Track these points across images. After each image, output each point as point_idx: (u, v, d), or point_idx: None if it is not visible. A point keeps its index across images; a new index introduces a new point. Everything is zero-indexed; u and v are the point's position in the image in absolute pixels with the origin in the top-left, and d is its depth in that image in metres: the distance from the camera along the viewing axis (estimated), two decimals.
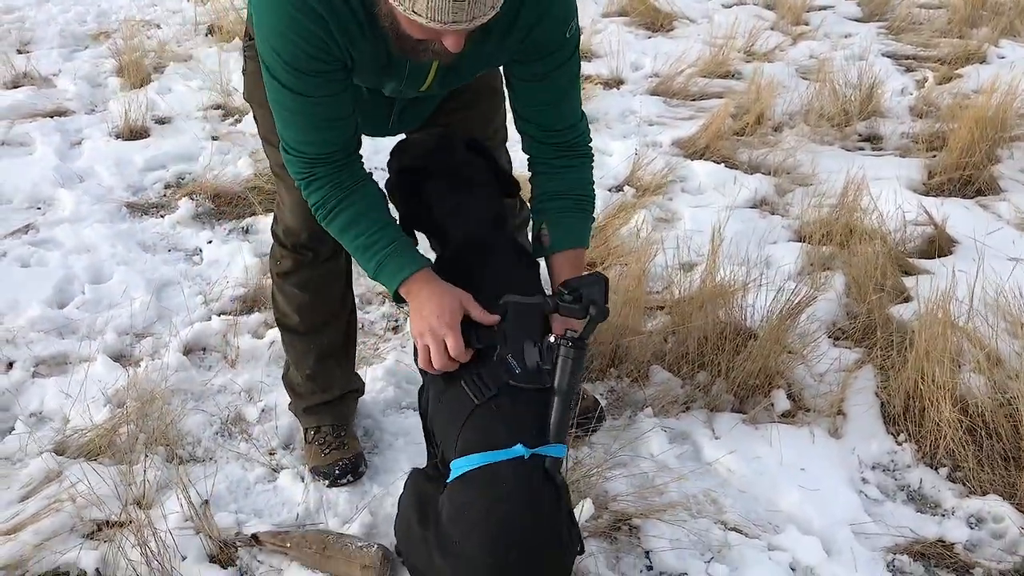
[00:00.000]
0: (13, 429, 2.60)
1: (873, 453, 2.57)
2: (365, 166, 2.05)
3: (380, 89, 2.05)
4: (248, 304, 3.16)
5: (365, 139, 2.10)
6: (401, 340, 2.99)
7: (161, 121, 4.52)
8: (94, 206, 3.69)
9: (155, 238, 3.55)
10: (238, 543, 2.23)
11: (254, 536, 2.21)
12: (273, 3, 1.77)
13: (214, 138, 4.33)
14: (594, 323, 1.83)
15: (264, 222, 3.66)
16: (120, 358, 2.89)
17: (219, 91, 4.75)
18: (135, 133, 4.35)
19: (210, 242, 3.51)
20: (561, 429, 1.79)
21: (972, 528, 2.35)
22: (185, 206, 3.71)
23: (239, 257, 3.39)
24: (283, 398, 2.70)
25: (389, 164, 2.26)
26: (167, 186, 3.96)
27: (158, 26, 5.95)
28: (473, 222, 2.08)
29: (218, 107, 4.67)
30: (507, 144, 2.49)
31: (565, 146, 2.08)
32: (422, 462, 2.30)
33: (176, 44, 5.57)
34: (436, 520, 1.83)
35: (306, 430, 2.51)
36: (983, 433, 2.51)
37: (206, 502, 2.33)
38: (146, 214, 3.73)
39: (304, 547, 2.16)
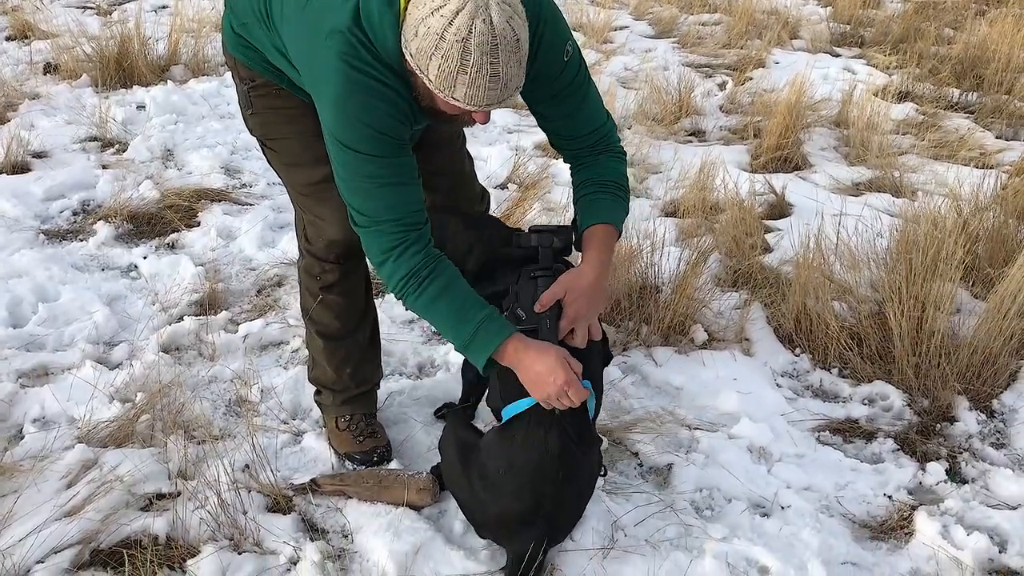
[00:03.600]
0: (21, 434, 2.70)
1: (780, 364, 3.19)
2: None
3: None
4: (204, 307, 3.35)
5: None
6: None
7: (38, 155, 4.52)
8: (11, 235, 3.72)
9: (85, 259, 3.64)
10: (293, 492, 2.48)
11: (313, 481, 2.48)
12: (359, 82, 1.96)
13: (104, 167, 4.40)
14: (545, 254, 2.28)
15: (189, 236, 3.84)
16: (100, 364, 3.01)
17: (91, 124, 4.79)
18: (17, 168, 4.34)
19: (145, 257, 3.65)
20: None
21: (867, 406, 3.00)
22: (104, 229, 3.81)
23: (180, 267, 3.56)
24: (278, 380, 2.98)
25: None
26: (75, 213, 4.02)
27: None
28: None
29: (94, 139, 4.72)
30: None
31: (594, 147, 2.32)
32: (416, 436, 2.77)
33: (17, 83, 5.48)
34: (479, 463, 2.29)
35: (337, 419, 2.69)
36: (860, 338, 3.18)
37: (247, 466, 2.56)
38: (64, 239, 3.79)
39: (361, 483, 2.46)
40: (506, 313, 2.29)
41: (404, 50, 1.91)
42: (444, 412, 2.81)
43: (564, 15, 2.23)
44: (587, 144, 2.32)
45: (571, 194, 2.42)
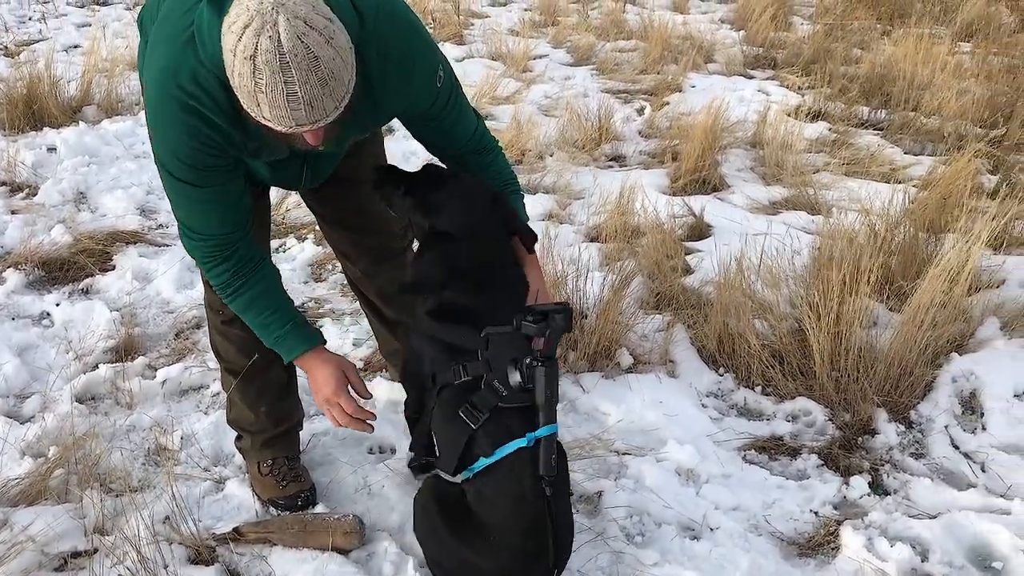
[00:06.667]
0: None
1: (705, 384, 3.22)
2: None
3: (291, 153, 2.19)
4: (120, 353, 3.26)
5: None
6: None
7: None
8: None
9: None
10: (216, 542, 2.41)
11: (235, 530, 2.42)
12: (170, 112, 1.95)
13: (13, 212, 4.27)
14: (554, 338, 2.13)
15: (103, 281, 3.75)
16: (10, 418, 2.90)
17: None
18: None
19: (58, 304, 3.54)
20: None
21: (791, 423, 3.04)
22: (13, 277, 3.69)
23: (94, 313, 3.46)
24: (198, 426, 2.91)
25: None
26: None
27: None
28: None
29: (2, 184, 4.58)
30: None
31: (472, 151, 2.40)
32: (342, 478, 2.69)
33: None
34: (466, 522, 2.17)
35: (259, 464, 2.64)
36: (782, 355, 3.23)
37: (167, 518, 2.48)
38: None
39: (286, 529, 2.40)
40: (484, 381, 2.18)
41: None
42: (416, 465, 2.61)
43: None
44: (468, 149, 2.37)
45: None
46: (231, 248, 2.17)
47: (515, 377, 2.15)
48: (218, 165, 2.05)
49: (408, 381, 2.47)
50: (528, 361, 2.13)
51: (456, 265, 2.23)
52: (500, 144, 2.46)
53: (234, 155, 2.06)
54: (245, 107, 1.83)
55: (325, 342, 2.37)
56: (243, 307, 2.25)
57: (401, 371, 2.54)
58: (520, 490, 2.13)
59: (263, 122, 1.83)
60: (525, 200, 2.51)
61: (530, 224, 2.43)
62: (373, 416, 2.35)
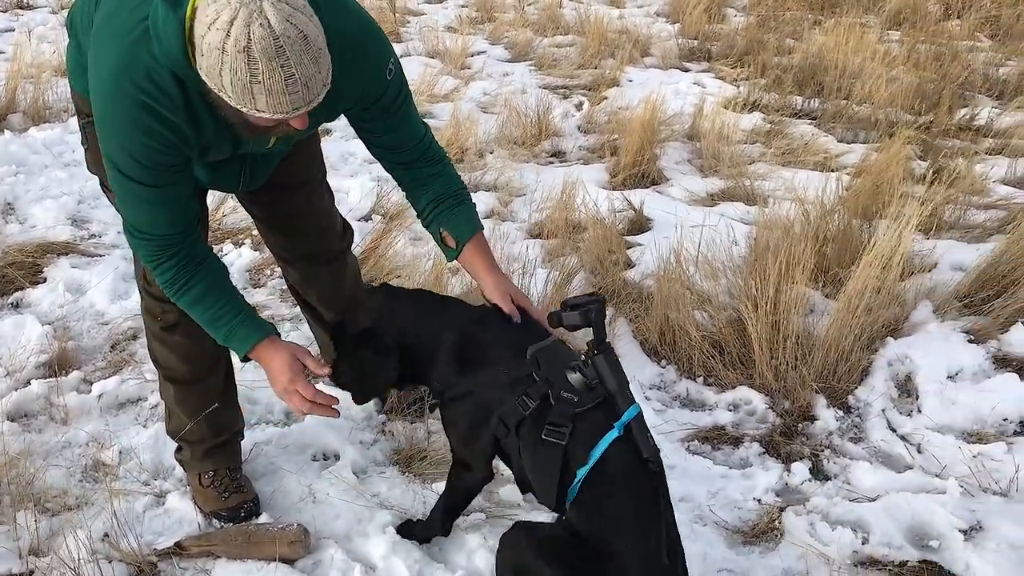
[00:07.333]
0: None
1: (648, 376, 3.25)
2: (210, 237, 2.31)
3: (234, 152, 2.18)
4: (53, 368, 3.18)
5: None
6: None
7: None
8: None
9: None
10: (157, 557, 2.37)
11: (177, 544, 2.38)
12: (124, 110, 1.92)
13: None
14: (600, 323, 2.10)
15: (34, 294, 3.65)
16: None
17: None
18: None
19: None
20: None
21: (732, 412, 3.08)
22: None
23: (25, 328, 3.37)
24: (137, 439, 2.85)
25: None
26: None
27: None
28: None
29: None
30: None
31: (420, 159, 2.37)
32: (286, 486, 2.66)
33: None
34: (574, 554, 2.01)
35: (200, 475, 2.59)
36: (722, 346, 3.27)
37: (106, 535, 2.44)
38: None
39: (229, 541, 2.36)
40: (553, 399, 2.10)
41: (199, 71, 1.82)
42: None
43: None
44: (416, 155, 2.35)
45: (423, 208, 2.41)
46: (177, 247, 2.14)
47: (577, 379, 2.11)
48: (172, 164, 2.03)
49: (470, 446, 2.29)
50: (583, 359, 2.12)
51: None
52: (447, 156, 2.44)
53: (187, 154, 2.05)
54: (234, 104, 1.81)
55: (279, 333, 2.31)
56: (191, 302, 2.20)
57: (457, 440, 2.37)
58: (636, 486, 2.06)
59: (256, 115, 1.82)
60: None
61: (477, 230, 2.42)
62: (336, 400, 2.26)
